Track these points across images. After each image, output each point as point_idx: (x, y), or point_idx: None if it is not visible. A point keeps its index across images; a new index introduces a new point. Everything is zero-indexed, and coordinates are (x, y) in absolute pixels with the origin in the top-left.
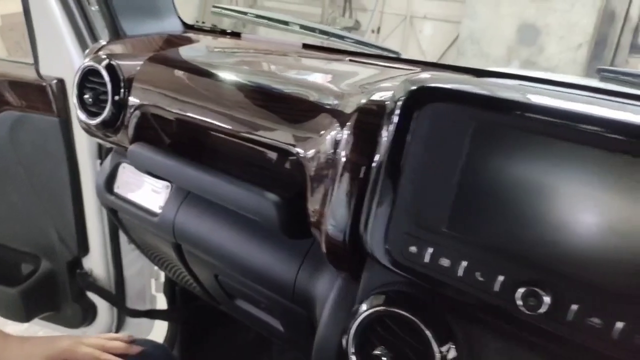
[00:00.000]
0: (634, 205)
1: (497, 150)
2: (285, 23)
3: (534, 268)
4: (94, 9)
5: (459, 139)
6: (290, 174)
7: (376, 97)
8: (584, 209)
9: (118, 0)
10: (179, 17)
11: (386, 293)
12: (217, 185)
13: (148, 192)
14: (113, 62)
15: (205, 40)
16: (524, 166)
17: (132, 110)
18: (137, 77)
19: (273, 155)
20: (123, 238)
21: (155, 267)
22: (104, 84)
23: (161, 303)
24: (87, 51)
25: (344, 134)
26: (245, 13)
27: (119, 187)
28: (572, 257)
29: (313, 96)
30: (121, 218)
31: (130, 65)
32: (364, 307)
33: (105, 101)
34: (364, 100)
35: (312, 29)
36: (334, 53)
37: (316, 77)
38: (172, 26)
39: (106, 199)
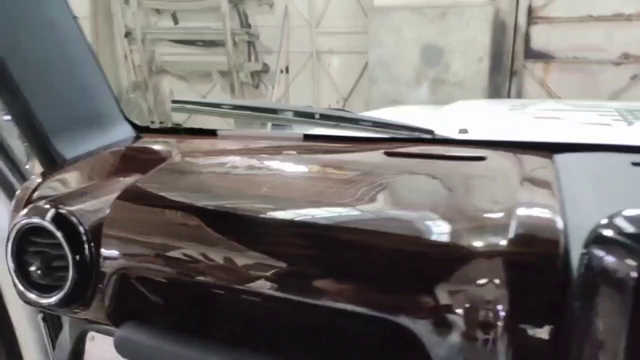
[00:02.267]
0: None
1: None
2: (274, 111)
3: None
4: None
5: None
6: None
7: (535, 237)
8: None
9: (47, 119)
10: (128, 120)
11: None
12: None
13: None
14: (62, 210)
15: (176, 148)
16: None
17: (108, 275)
18: (107, 225)
19: (349, 329)
20: None
21: None
22: (55, 245)
23: None
24: (14, 201)
25: (494, 293)
26: (218, 105)
27: None
28: None
29: (411, 235)
30: None
31: (89, 208)
32: None
33: (62, 268)
34: (504, 243)
35: (311, 115)
36: (349, 143)
37: (392, 195)
38: (122, 134)
39: None
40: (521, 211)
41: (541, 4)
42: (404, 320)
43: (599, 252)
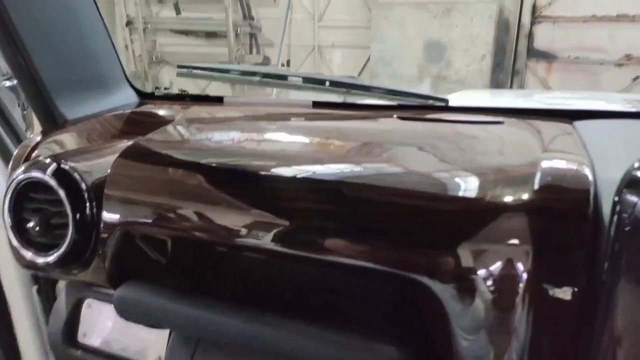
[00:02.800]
0: None
1: None
2: (283, 77)
3: None
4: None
5: None
6: (393, 310)
7: (563, 186)
8: None
9: (49, 77)
10: (132, 86)
11: None
12: (285, 341)
13: (135, 338)
14: (64, 166)
15: (181, 113)
16: None
17: (108, 233)
18: (109, 182)
19: (361, 287)
20: None
21: None
22: (55, 202)
23: None
24: (14, 156)
25: (518, 248)
26: (226, 71)
27: (86, 335)
28: None
29: (431, 188)
30: None
31: (91, 165)
32: None
33: (61, 226)
34: (531, 194)
35: (321, 81)
36: (361, 110)
37: (407, 153)
38: (125, 99)
39: (69, 356)
40: (546, 163)
41: (546, 3)
42: (423, 277)
43: (633, 197)
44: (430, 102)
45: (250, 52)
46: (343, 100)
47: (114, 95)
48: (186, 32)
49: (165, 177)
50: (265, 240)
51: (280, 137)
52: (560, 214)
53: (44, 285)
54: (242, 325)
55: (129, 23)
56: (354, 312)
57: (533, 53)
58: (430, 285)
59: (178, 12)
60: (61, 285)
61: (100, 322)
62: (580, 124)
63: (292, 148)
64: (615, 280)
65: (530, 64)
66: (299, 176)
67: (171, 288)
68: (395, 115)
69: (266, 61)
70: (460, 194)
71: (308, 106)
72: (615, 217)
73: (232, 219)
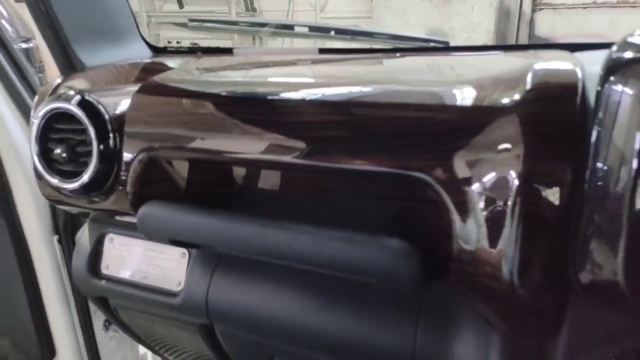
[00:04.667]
0: None
1: None
2: (290, 27)
3: None
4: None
5: None
6: (398, 206)
7: (552, 79)
8: None
9: (69, 25)
10: (146, 41)
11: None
12: (297, 242)
13: (155, 267)
14: (89, 98)
15: (193, 63)
16: None
17: (130, 160)
18: (129, 114)
19: (368, 187)
20: (97, 325)
21: (142, 352)
22: (79, 131)
23: None
24: (39, 92)
25: (512, 136)
26: (235, 23)
27: (109, 267)
28: None
29: (431, 97)
30: (114, 306)
31: (113, 99)
32: None
33: (85, 154)
34: (529, 85)
35: (326, 30)
36: (368, 53)
37: (410, 75)
38: (138, 52)
39: (92, 286)
40: (539, 65)
41: None
42: (425, 176)
43: (614, 86)
44: (432, 44)
45: (253, 44)
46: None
47: (129, 47)
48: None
49: (181, 106)
50: (279, 154)
51: (288, 71)
52: (550, 105)
53: (64, 234)
54: (257, 230)
55: None
56: (362, 217)
57: (534, 40)
58: (431, 183)
59: (181, 6)
60: (80, 233)
61: (121, 255)
62: (581, 54)
63: (300, 76)
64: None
65: None
66: (308, 98)
67: (190, 204)
68: (399, 54)
69: None
70: (456, 102)
71: (315, 53)
72: (604, 94)
73: (246, 139)
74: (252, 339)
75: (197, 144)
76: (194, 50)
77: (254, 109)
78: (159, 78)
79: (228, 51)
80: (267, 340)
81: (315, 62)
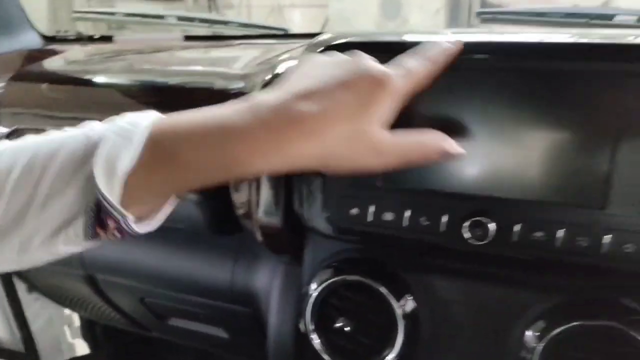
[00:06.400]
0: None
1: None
2: (160, 17)
3: (473, 200)
4: None
5: None
6: None
7: (281, 69)
8: (510, 133)
9: None
10: (36, 30)
11: (334, 265)
12: None
13: None
14: None
15: (73, 51)
16: (446, 105)
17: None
18: (2, 102)
19: None
20: (20, 288)
21: (67, 312)
22: None
23: (81, 349)
24: None
25: None
26: (112, 14)
27: None
28: (507, 180)
29: (211, 83)
30: None
31: None
32: (314, 284)
33: None
34: (269, 76)
35: (191, 19)
36: (220, 40)
37: (207, 65)
38: (29, 41)
39: None
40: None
41: None
42: None
43: None
44: (273, 31)
45: (210, 13)
46: (212, 33)
47: (18, 37)
48: None
49: (49, 91)
50: None
51: (135, 65)
52: None
53: None
54: None
55: None
56: None
57: (486, 7)
58: None
59: None
60: None
61: None
62: None
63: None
64: None
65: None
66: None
67: None
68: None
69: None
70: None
71: (180, 39)
72: None
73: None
74: (126, 284)
75: (56, 123)
76: (80, 39)
77: (101, 99)
78: (29, 69)
79: (108, 38)
80: (137, 283)
81: (178, 48)
